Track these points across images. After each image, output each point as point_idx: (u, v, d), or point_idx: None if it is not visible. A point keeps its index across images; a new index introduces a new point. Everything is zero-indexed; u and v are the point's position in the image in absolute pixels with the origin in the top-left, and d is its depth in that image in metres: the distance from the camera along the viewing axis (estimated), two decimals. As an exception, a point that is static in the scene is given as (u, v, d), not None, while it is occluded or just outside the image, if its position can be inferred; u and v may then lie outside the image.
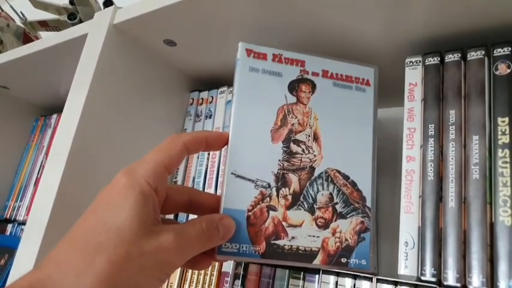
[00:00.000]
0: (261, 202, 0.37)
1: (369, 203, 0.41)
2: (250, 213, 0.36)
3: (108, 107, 0.51)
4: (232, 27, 0.49)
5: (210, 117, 0.57)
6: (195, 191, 0.37)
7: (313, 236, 0.39)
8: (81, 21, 0.68)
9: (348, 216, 0.41)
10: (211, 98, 0.58)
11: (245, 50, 0.41)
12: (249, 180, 0.38)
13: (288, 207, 0.39)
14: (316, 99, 0.42)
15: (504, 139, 0.35)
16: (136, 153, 0.54)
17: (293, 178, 0.40)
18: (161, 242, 0.28)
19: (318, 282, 0.42)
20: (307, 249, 0.39)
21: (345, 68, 0.44)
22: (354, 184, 0.42)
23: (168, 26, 0.51)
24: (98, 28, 0.53)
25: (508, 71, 0.37)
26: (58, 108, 0.89)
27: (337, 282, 0.40)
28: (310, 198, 0.40)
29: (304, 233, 0.39)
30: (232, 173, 0.37)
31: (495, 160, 0.35)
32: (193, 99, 0.60)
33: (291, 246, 0.38)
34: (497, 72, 0.37)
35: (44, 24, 0.74)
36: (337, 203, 0.41)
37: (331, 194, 0.41)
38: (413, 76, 0.42)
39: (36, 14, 0.78)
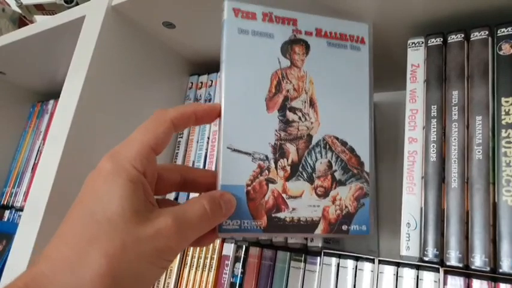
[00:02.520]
0: (259, 175, 0.36)
1: (367, 168, 0.40)
2: (249, 187, 0.35)
3: (106, 91, 0.51)
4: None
5: (209, 101, 0.56)
6: (187, 168, 0.35)
7: (314, 206, 0.38)
8: (77, 5, 0.66)
9: (347, 182, 0.40)
10: (210, 82, 0.58)
11: (232, 10, 0.37)
12: (246, 153, 0.36)
13: (287, 179, 0.37)
14: (310, 61, 0.40)
15: (508, 119, 0.35)
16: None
17: (291, 148, 0.38)
18: (158, 228, 0.26)
19: (320, 265, 0.41)
20: (309, 220, 0.37)
21: (339, 25, 0.41)
22: (352, 150, 0.41)
23: (167, 8, 0.50)
24: (96, 10, 0.52)
25: (512, 50, 0.37)
26: (55, 94, 0.88)
27: (338, 264, 0.40)
28: (309, 167, 0.39)
29: (304, 203, 0.37)
30: (228, 147, 0.35)
31: (498, 140, 0.35)
32: (192, 83, 0.60)
33: (292, 217, 0.37)
34: (501, 52, 0.37)
35: (40, 8, 0.73)
36: (336, 171, 0.40)
37: (329, 161, 0.40)
38: (416, 57, 0.42)
39: (31, -2, 0.76)
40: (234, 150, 0.35)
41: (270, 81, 0.37)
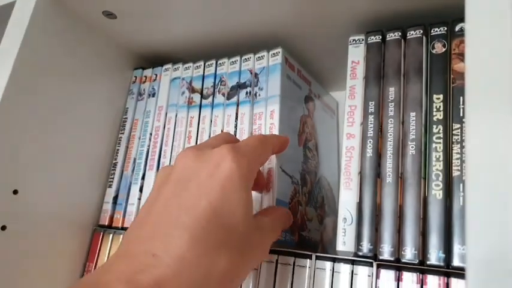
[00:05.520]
0: (294, 197, 0.42)
1: (336, 206, 0.49)
2: (290, 205, 0.41)
3: (37, 87, 0.47)
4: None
5: (153, 96, 0.54)
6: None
7: (317, 230, 0.46)
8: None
9: (330, 215, 0.51)
10: (155, 76, 0.56)
11: (284, 58, 0.45)
12: (288, 175, 0.42)
13: (306, 203, 0.45)
14: (315, 116, 0.50)
15: (438, 115, 0.36)
16: (72, 136, 0.50)
17: (308, 179, 0.46)
18: (263, 239, 0.30)
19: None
20: (314, 240, 0.45)
21: (328, 97, 0.56)
22: (331, 190, 0.53)
23: (106, -4, 0.48)
24: (28, -4, 0.49)
25: (444, 49, 0.38)
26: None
27: (277, 260, 0.40)
28: (315, 198, 0.47)
29: (313, 226, 0.45)
30: (280, 167, 0.40)
31: (430, 136, 0.36)
32: (136, 77, 0.57)
33: (309, 237, 0.44)
34: (433, 51, 0.38)
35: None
36: (325, 204, 0.50)
37: (323, 196, 0.50)
38: (356, 54, 0.42)
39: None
40: (283, 170, 0.41)
41: (300, 121, 0.46)
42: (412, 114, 0.37)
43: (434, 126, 0.36)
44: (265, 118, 0.43)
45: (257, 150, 0.31)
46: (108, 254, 0.49)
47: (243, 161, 0.28)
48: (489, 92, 0.22)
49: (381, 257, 0.34)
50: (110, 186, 0.52)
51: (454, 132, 0.34)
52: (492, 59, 0.23)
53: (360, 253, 0.35)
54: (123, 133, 0.55)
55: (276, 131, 0.41)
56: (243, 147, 0.29)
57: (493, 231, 0.20)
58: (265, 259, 0.33)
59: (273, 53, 0.45)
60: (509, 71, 0.22)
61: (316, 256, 0.37)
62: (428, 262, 0.32)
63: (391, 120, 0.38)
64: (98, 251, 0.50)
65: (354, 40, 0.43)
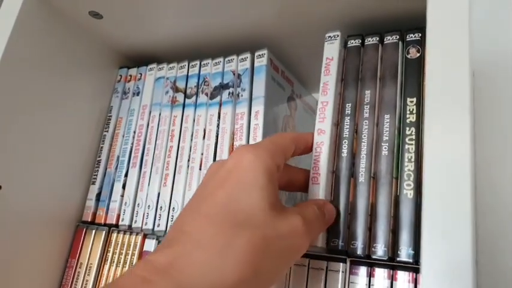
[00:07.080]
0: None
1: None
2: None
3: (22, 84, 0.47)
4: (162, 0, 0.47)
5: (137, 95, 0.55)
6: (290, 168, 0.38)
7: None
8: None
9: None
10: (139, 75, 0.56)
11: (269, 59, 0.46)
12: None
13: (286, 202, 0.47)
14: (296, 115, 0.52)
15: (411, 118, 0.37)
16: (56, 133, 0.51)
17: None
18: (292, 225, 0.28)
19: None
20: None
21: (308, 97, 0.57)
22: None
23: (92, -4, 0.48)
24: (14, -6, 0.49)
25: (418, 55, 0.39)
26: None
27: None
28: (293, 196, 0.50)
29: None
30: None
31: (403, 137, 0.37)
32: (121, 76, 0.58)
33: None
34: (408, 56, 0.39)
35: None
36: (302, 200, 0.50)
37: (301, 193, 0.49)
38: (331, 51, 0.43)
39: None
40: None
41: (282, 121, 0.47)
42: (387, 116, 0.38)
43: (407, 128, 0.37)
44: (247, 118, 0.44)
45: (276, 142, 0.32)
46: (91, 250, 0.49)
47: (257, 150, 0.29)
48: (447, 96, 0.24)
49: (353, 254, 0.35)
50: (93, 183, 0.53)
51: (425, 134, 0.36)
52: (450, 64, 0.24)
53: (333, 250, 0.36)
54: (107, 131, 0.55)
55: (260, 132, 0.43)
56: (262, 142, 0.32)
57: (446, 228, 0.22)
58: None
59: (259, 55, 0.47)
60: (466, 77, 0.23)
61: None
62: (398, 258, 0.33)
63: (366, 122, 0.39)
64: (80, 247, 0.50)
65: (329, 37, 0.44)
